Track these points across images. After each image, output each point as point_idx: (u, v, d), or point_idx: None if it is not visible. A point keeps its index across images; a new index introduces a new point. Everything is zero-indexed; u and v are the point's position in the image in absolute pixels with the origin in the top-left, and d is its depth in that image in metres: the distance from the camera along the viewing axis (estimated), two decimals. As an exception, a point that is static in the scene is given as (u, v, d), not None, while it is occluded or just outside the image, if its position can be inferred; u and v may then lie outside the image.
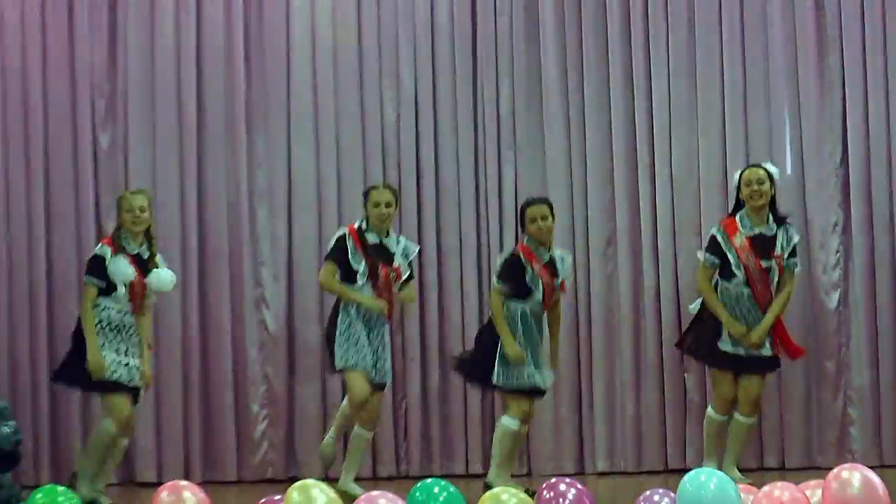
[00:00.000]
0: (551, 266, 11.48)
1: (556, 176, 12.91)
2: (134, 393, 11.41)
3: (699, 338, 11.72)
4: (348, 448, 11.59)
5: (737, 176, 11.62)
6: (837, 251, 12.68)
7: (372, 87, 13.06)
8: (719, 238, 11.56)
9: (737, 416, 11.68)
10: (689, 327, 11.87)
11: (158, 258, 11.53)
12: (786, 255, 11.46)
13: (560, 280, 11.53)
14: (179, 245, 12.80)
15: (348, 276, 11.37)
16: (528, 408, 11.50)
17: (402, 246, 11.63)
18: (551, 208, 11.46)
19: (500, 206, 12.86)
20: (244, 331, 12.94)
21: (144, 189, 11.85)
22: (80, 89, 13.06)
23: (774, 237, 11.47)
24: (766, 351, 11.50)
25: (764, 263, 11.45)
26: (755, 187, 11.44)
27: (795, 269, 11.50)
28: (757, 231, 11.48)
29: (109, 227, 12.60)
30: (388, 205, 11.48)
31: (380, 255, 11.46)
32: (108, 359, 11.22)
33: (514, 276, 11.41)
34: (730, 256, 11.48)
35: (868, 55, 12.69)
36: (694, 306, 11.75)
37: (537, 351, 11.46)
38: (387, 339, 11.53)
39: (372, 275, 11.38)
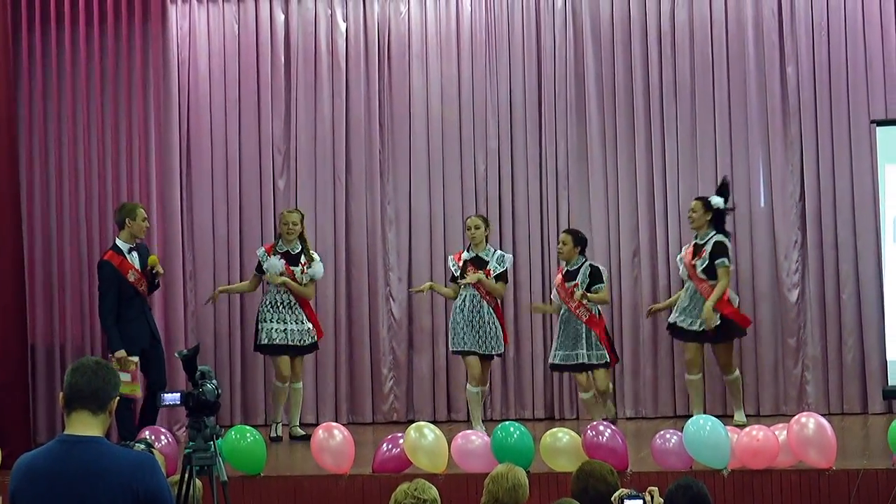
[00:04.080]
0: (569, 275, 11.30)
1: (598, 208, 12.75)
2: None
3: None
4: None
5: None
6: (797, 260, 12.45)
7: (467, 146, 12.95)
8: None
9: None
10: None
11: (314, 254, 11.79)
12: (707, 256, 11.24)
13: (574, 283, 11.23)
14: (332, 257, 12.79)
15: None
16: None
17: (496, 256, 11.40)
18: (572, 236, 11.40)
19: (557, 227, 12.63)
20: (377, 317, 12.90)
21: (298, 209, 12.06)
22: (265, 148, 13.04)
23: (705, 244, 11.28)
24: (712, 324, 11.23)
25: (694, 261, 11.28)
26: (689, 214, 11.46)
27: (721, 267, 11.20)
28: (695, 241, 11.39)
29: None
30: (476, 227, 11.38)
31: (477, 263, 11.30)
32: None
33: None
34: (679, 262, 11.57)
35: (818, 123, 12.44)
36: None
37: (568, 337, 11.25)
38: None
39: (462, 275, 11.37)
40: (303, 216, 11.78)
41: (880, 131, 11.74)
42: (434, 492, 5.95)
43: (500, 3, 12.90)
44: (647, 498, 5.70)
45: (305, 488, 9.49)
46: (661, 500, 5.84)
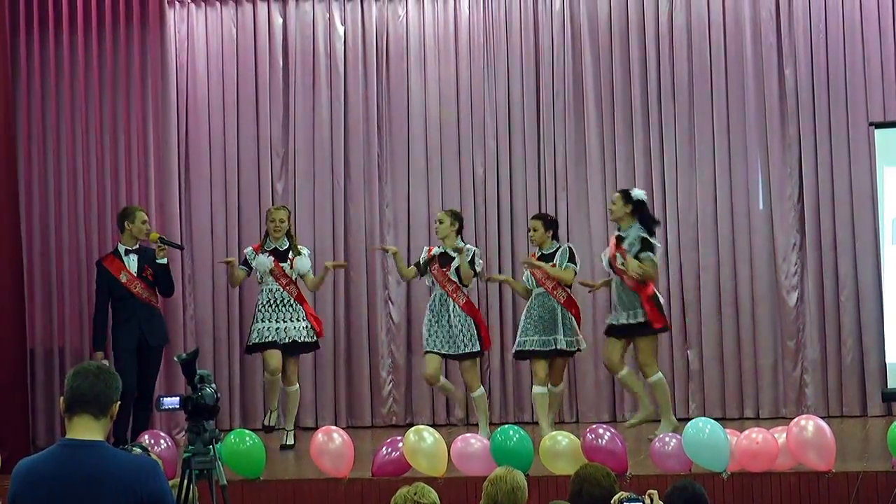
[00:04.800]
0: (543, 258, 10.91)
1: (596, 210, 12.77)
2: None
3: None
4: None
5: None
6: (796, 263, 12.47)
7: (466, 149, 12.96)
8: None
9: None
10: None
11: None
12: (634, 251, 10.76)
13: (551, 264, 10.82)
14: (331, 259, 12.72)
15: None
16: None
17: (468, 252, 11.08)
18: (542, 221, 11.05)
19: (556, 231, 12.70)
20: (376, 320, 12.91)
21: (284, 206, 11.85)
22: (263, 151, 13.06)
23: (627, 238, 10.82)
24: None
25: (616, 252, 10.82)
26: (609, 206, 11.19)
27: (647, 260, 10.69)
28: (617, 234, 10.98)
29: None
30: (440, 221, 11.20)
31: (442, 259, 11.10)
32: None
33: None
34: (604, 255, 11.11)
35: (817, 125, 12.46)
36: None
37: (539, 325, 10.84)
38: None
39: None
40: (289, 213, 11.53)
41: (879, 133, 11.74)
42: (433, 495, 5.95)
43: (498, 5, 12.92)
44: (647, 501, 5.71)
45: (305, 492, 9.49)
46: (661, 503, 5.84)
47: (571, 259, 10.95)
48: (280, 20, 13.06)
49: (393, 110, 13.05)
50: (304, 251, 11.49)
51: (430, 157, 12.99)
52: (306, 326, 11.32)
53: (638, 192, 11.04)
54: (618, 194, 11.07)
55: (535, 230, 11.04)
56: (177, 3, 12.91)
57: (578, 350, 11.09)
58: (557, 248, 10.98)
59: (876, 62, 12.35)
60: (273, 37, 13.06)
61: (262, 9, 13.05)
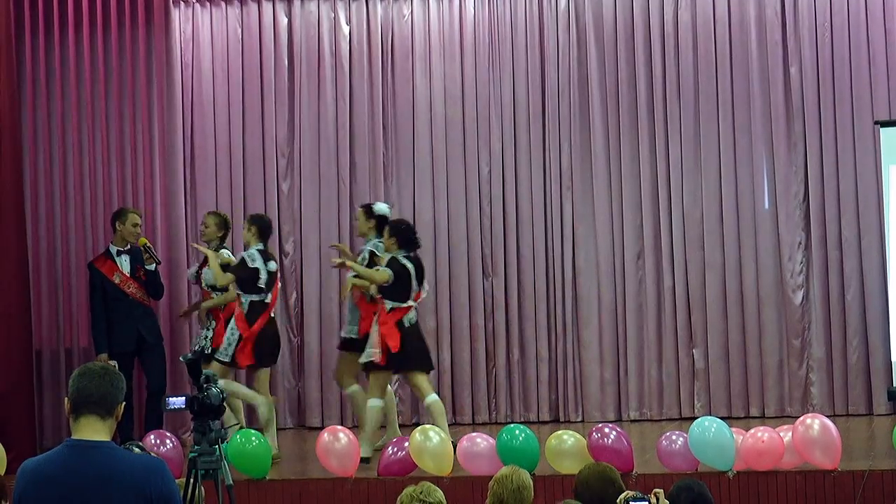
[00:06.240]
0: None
1: (601, 209, 12.75)
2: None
3: None
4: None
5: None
6: (801, 262, 12.46)
7: (471, 148, 12.95)
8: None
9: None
10: None
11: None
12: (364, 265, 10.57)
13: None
14: (336, 260, 12.72)
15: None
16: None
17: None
18: (363, 210, 10.97)
19: (561, 229, 12.74)
20: (382, 319, 12.86)
21: (211, 211, 11.64)
22: (268, 151, 13.04)
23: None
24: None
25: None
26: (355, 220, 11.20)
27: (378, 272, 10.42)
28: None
29: (287, 245, 12.60)
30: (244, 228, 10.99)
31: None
32: None
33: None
34: None
35: (822, 124, 12.45)
36: None
37: None
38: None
39: None
40: (219, 219, 11.23)
41: (884, 132, 11.75)
42: (440, 494, 5.96)
43: (503, 4, 12.92)
44: (653, 500, 5.72)
45: (311, 492, 9.50)
46: (667, 502, 5.85)
47: (390, 266, 10.43)
48: (285, 20, 13.06)
49: (398, 110, 13.05)
50: (216, 257, 10.84)
51: (435, 156, 12.98)
52: (207, 336, 10.99)
53: (380, 207, 11.00)
54: (361, 209, 11.07)
55: (357, 219, 11.03)
56: (182, 2, 12.92)
57: (370, 362, 10.41)
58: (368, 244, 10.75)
59: (881, 61, 12.34)
60: (278, 36, 13.06)
61: (267, 8, 13.05)
